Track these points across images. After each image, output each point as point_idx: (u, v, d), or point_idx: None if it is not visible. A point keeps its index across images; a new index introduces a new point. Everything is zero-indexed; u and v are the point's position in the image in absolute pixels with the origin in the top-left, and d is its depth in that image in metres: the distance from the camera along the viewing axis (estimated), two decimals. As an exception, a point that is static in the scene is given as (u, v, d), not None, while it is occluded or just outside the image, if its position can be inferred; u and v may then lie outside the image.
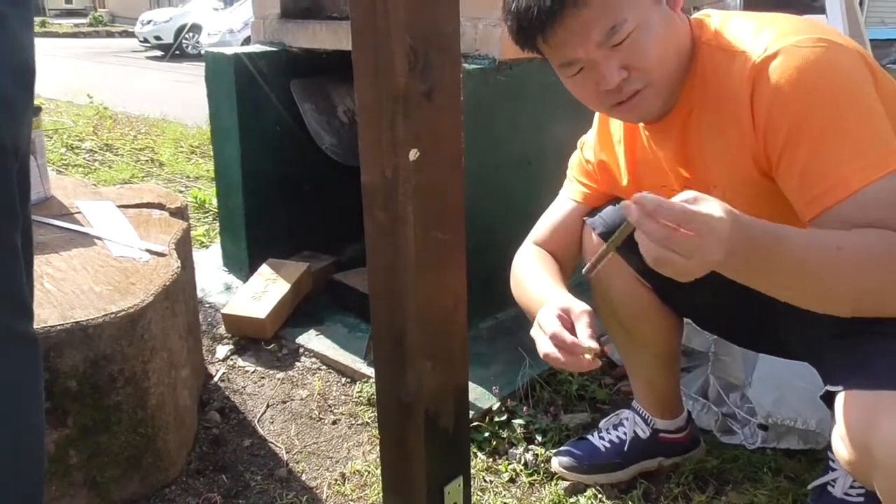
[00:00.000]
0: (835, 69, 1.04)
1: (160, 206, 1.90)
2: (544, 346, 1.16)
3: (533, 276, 1.43)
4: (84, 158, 3.97)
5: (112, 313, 1.41)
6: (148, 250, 1.65)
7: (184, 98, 5.19)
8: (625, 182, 1.43)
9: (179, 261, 1.64)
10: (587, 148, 1.48)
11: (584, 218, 1.49)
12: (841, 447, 1.09)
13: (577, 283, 1.68)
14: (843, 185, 1.02)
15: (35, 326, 1.25)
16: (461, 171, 1.18)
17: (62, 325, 1.36)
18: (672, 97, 1.20)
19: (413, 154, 1.07)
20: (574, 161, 1.52)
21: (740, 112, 1.10)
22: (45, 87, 5.60)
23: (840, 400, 1.10)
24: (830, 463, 1.47)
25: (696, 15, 1.23)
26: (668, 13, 1.14)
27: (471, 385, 1.70)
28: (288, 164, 2.45)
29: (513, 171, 2.11)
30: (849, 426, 1.07)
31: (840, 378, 1.12)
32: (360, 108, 1.12)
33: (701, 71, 1.16)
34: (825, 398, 1.17)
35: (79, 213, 1.82)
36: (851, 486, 1.43)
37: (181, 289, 1.63)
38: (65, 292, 1.47)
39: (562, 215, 1.52)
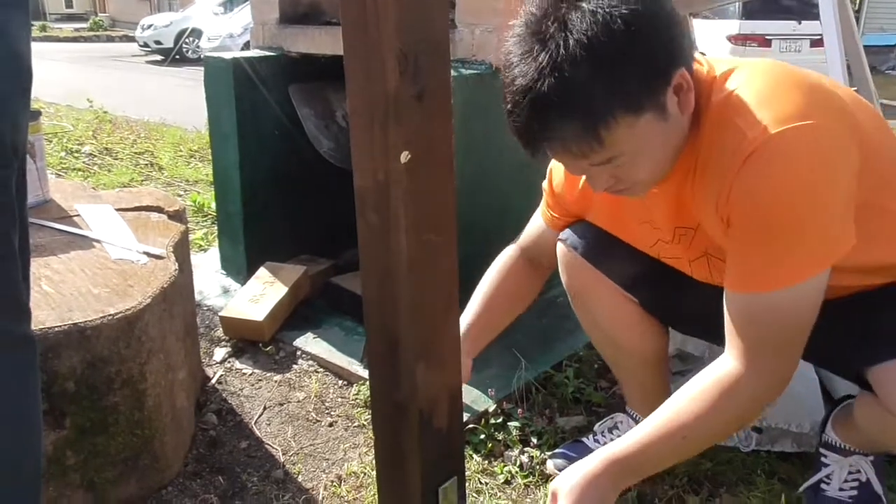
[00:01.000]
0: (809, 167, 1.09)
1: (158, 210, 1.91)
2: None
3: (480, 288, 1.61)
4: (83, 162, 3.99)
5: (110, 315, 1.42)
6: (146, 253, 1.66)
7: (184, 102, 5.21)
8: (595, 211, 1.48)
9: (177, 263, 1.65)
10: (555, 175, 1.52)
11: (559, 237, 1.55)
12: (881, 416, 1.24)
13: (559, 294, 1.70)
14: (756, 282, 1.14)
15: (33, 328, 1.26)
16: (452, 174, 1.19)
17: (60, 326, 1.37)
18: (670, 168, 1.22)
19: (404, 157, 1.08)
20: (543, 184, 1.56)
21: (724, 183, 1.14)
22: (45, 90, 5.62)
23: (884, 370, 1.22)
24: (823, 459, 1.48)
25: (719, 67, 1.21)
26: (670, 125, 1.14)
27: (466, 388, 1.71)
28: (286, 168, 2.47)
29: (510, 176, 2.12)
30: None
31: (876, 354, 1.23)
32: (351, 113, 1.14)
33: (707, 137, 1.18)
34: (858, 381, 1.31)
35: (77, 216, 1.83)
36: (845, 481, 1.44)
37: (179, 291, 1.64)
38: (63, 294, 1.48)
39: (536, 229, 1.62)
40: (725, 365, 1.20)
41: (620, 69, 1.05)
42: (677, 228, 1.33)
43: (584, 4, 1.06)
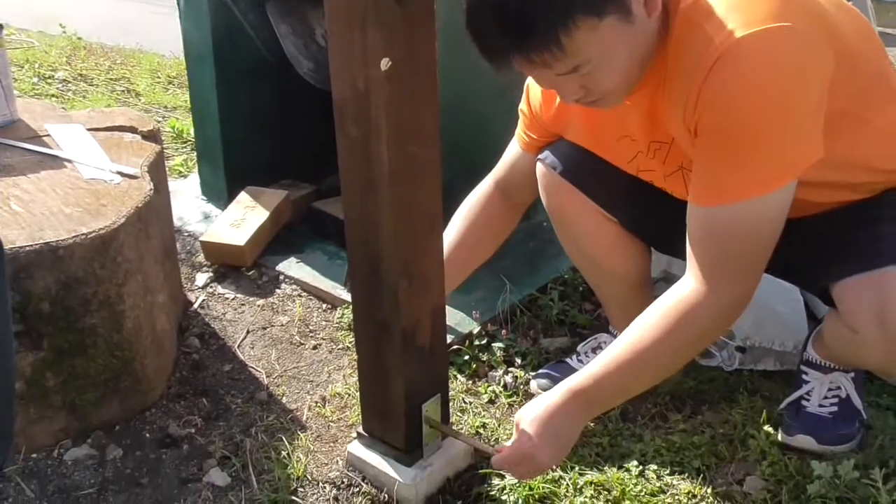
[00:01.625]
0: (778, 72, 1.05)
1: (132, 130, 1.85)
2: None
3: (452, 225, 1.61)
4: (57, 88, 3.86)
5: (83, 234, 1.38)
6: (119, 173, 1.61)
7: (160, 28, 5.04)
8: (574, 129, 1.43)
9: (152, 184, 1.60)
10: (531, 93, 1.48)
11: (538, 158, 1.52)
12: (844, 333, 1.25)
13: (544, 219, 1.67)
14: (719, 193, 1.12)
15: (4, 247, 1.22)
16: (435, 84, 1.15)
17: (31, 245, 1.33)
18: (640, 77, 1.17)
19: (385, 63, 1.04)
20: (521, 105, 1.51)
21: (691, 91, 1.10)
22: (15, 16, 5.42)
23: (844, 286, 1.22)
24: (804, 377, 1.49)
25: None
26: (636, 28, 1.09)
27: (451, 310, 1.70)
28: (265, 90, 2.39)
29: (490, 101, 2.06)
30: (859, 306, 1.19)
31: (839, 271, 1.23)
32: (329, 17, 1.08)
33: (674, 45, 1.13)
34: (823, 298, 1.30)
35: (47, 136, 1.77)
36: (825, 398, 1.45)
37: (155, 212, 1.60)
38: (34, 214, 1.44)
39: (513, 157, 1.59)
40: (684, 287, 1.18)
41: None
42: (652, 143, 1.30)
43: None
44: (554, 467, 1.37)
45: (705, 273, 1.15)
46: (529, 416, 1.24)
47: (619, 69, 1.13)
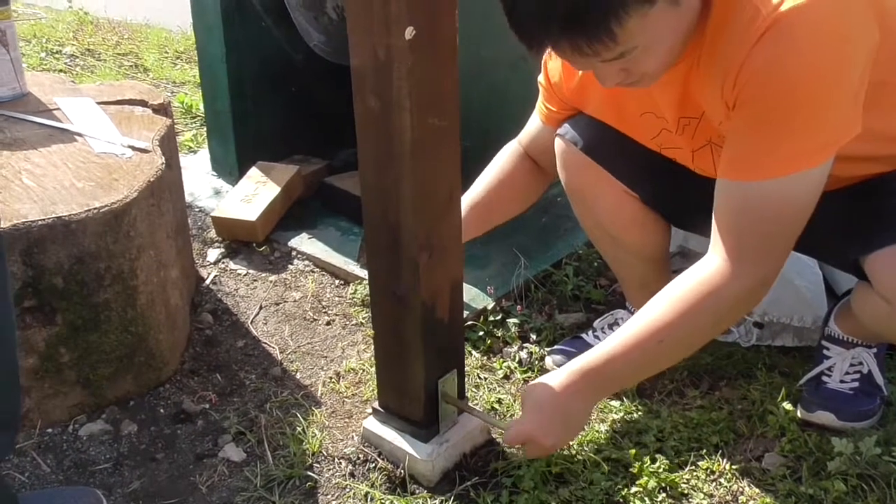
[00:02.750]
0: (826, 46, 1.02)
1: (142, 103, 1.83)
2: None
3: (482, 179, 1.58)
4: (65, 63, 3.83)
5: (95, 209, 1.37)
6: (131, 146, 1.59)
7: (167, 3, 4.99)
8: (595, 104, 1.40)
9: (164, 158, 1.58)
10: (550, 66, 1.44)
11: (557, 133, 1.48)
12: (878, 305, 1.23)
13: (559, 193, 1.64)
14: (756, 168, 1.09)
15: (15, 221, 1.21)
16: (455, 53, 1.12)
17: (43, 220, 1.32)
18: (681, 55, 1.14)
19: (409, 32, 1.01)
20: (539, 77, 1.48)
21: (733, 63, 1.07)
22: (21, -10, 5.38)
23: (877, 258, 1.19)
24: (825, 352, 1.48)
25: None
26: (682, 9, 1.06)
27: (465, 286, 1.68)
28: (275, 64, 2.36)
29: (508, 69, 2.03)
30: (893, 276, 1.17)
31: (871, 242, 1.20)
32: (348, -19, 1.05)
33: (714, 24, 1.09)
34: (853, 271, 1.29)
35: (57, 109, 1.75)
36: (847, 373, 1.44)
37: (167, 186, 1.58)
38: (45, 188, 1.42)
39: (535, 129, 1.56)
40: (708, 265, 1.15)
41: None
42: (681, 118, 1.27)
43: None
44: (567, 446, 1.35)
45: (731, 251, 1.13)
46: (536, 395, 1.21)
47: (663, 52, 1.10)
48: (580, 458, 1.39)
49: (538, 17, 1.03)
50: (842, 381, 1.45)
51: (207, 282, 1.95)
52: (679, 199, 1.45)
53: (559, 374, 1.21)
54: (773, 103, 1.05)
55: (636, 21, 1.02)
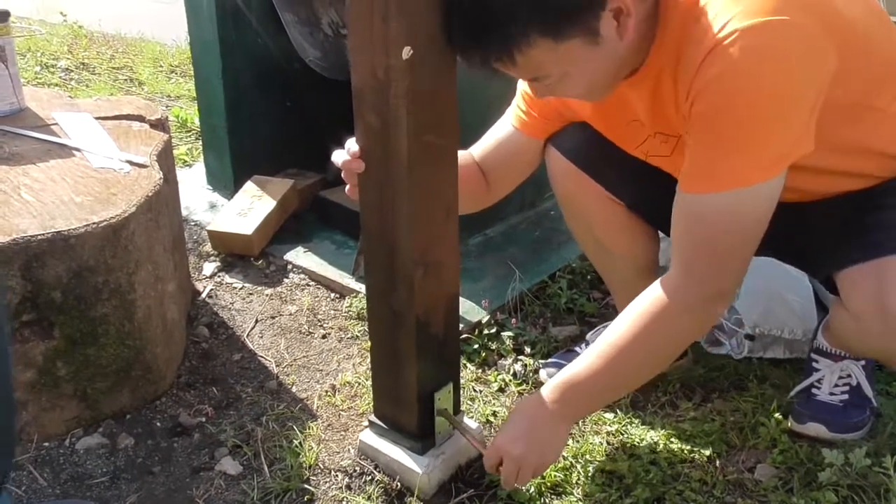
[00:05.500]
0: (770, 64, 1.03)
1: (140, 119, 1.84)
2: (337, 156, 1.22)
3: None
4: (60, 77, 3.84)
5: (94, 223, 1.38)
6: (129, 161, 1.60)
7: (162, 17, 5.01)
8: (588, 110, 1.41)
9: (161, 172, 1.60)
10: None
11: (549, 142, 1.49)
12: (848, 321, 1.25)
13: (552, 206, 1.65)
14: (704, 180, 1.10)
15: (14, 236, 1.22)
16: (454, 73, 1.14)
17: (43, 234, 1.33)
18: (636, 60, 1.15)
19: (406, 52, 1.03)
20: (519, 83, 1.49)
21: (686, 81, 1.09)
22: (16, 4, 5.38)
23: (847, 275, 1.22)
24: (814, 364, 1.50)
25: None
26: (604, 49, 1.07)
27: (461, 299, 1.69)
28: (271, 78, 2.38)
29: (505, 86, 2.05)
30: (860, 294, 1.20)
31: (842, 259, 1.23)
32: (350, 5, 1.07)
33: (673, 34, 1.11)
34: (828, 286, 1.30)
35: (55, 124, 1.76)
36: (836, 385, 1.46)
37: (164, 201, 1.59)
38: (44, 202, 1.43)
39: (503, 135, 1.51)
40: (665, 280, 1.17)
41: None
42: (658, 133, 1.29)
43: None
44: (543, 470, 1.32)
45: (684, 266, 1.15)
46: (510, 415, 1.25)
47: (585, 82, 1.13)
48: (575, 469, 1.40)
49: (458, 25, 1.07)
50: (831, 394, 1.47)
51: (203, 295, 1.96)
52: (665, 207, 1.47)
53: (534, 395, 1.25)
54: (719, 118, 1.06)
55: (541, 52, 1.05)
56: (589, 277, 1.99)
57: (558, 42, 1.04)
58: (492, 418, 1.56)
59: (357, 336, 1.83)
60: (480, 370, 1.71)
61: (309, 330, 1.86)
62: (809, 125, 1.08)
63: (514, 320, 1.82)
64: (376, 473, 1.40)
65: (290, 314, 1.92)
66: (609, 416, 1.55)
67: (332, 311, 1.93)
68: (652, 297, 1.18)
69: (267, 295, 1.98)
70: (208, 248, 2.15)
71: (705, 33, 1.05)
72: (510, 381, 1.67)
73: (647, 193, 1.46)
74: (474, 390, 1.64)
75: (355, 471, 1.41)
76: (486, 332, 1.78)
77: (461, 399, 1.50)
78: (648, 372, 1.26)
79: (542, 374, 1.67)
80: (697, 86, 1.06)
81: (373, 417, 1.42)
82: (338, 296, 1.98)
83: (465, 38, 1.07)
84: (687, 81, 1.08)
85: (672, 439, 1.48)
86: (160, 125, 1.85)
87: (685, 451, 1.45)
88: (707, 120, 1.07)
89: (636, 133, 1.36)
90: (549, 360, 1.70)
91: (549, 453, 1.26)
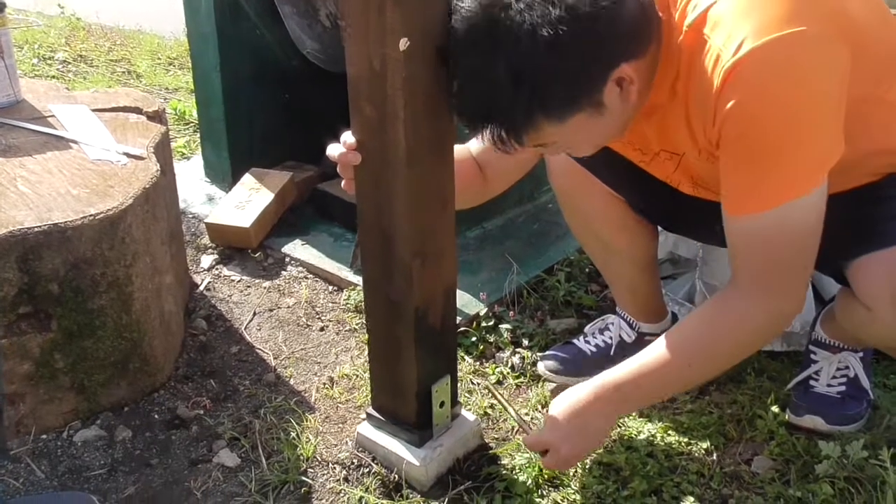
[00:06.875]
0: (793, 80, 1.03)
1: (137, 110, 1.84)
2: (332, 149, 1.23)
3: None
4: (57, 69, 3.83)
5: (91, 216, 1.37)
6: (126, 154, 1.60)
7: (160, 9, 4.99)
8: None
9: (159, 164, 1.59)
10: None
11: None
12: (858, 311, 1.26)
13: (550, 200, 1.65)
14: (752, 202, 1.11)
15: (11, 228, 1.22)
16: (450, 63, 1.13)
17: (40, 226, 1.33)
18: (622, 133, 1.19)
19: (403, 43, 1.02)
20: None
21: (707, 107, 1.09)
22: (13, -4, 5.36)
23: (859, 265, 1.23)
24: (812, 356, 1.50)
25: None
26: (608, 115, 1.09)
27: (458, 291, 1.68)
28: (269, 71, 2.37)
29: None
30: (874, 283, 1.21)
31: (854, 250, 1.24)
32: (345, -4, 1.07)
33: (683, 57, 1.10)
34: (836, 277, 1.32)
35: (52, 116, 1.75)
36: (833, 377, 1.46)
37: (162, 193, 1.59)
38: (41, 195, 1.43)
39: None
40: (731, 296, 1.18)
41: (543, 88, 1.03)
42: (663, 151, 1.30)
43: (512, 14, 0.99)
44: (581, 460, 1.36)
45: (749, 284, 1.15)
46: (560, 406, 1.25)
47: (589, 143, 1.18)
48: (572, 462, 1.41)
49: (464, 112, 1.10)
50: (829, 386, 1.47)
51: (201, 288, 1.96)
52: (664, 205, 1.47)
53: (585, 387, 1.24)
54: (754, 141, 1.06)
55: (549, 129, 1.08)
56: (587, 270, 1.99)
57: (564, 121, 1.07)
58: (489, 410, 1.56)
59: (355, 328, 1.83)
60: (478, 363, 1.71)
61: (307, 322, 1.86)
62: (839, 128, 1.08)
63: (511, 313, 1.82)
64: (374, 465, 1.40)
65: (288, 307, 1.92)
66: (607, 408, 1.55)
67: (330, 304, 1.93)
68: (722, 310, 1.19)
69: (265, 287, 1.98)
70: (206, 240, 2.14)
71: (719, 58, 1.04)
72: (508, 373, 1.67)
73: (648, 194, 1.46)
74: (472, 383, 1.65)
75: (353, 463, 1.42)
76: (483, 324, 1.78)
77: (459, 391, 1.50)
78: (704, 378, 1.33)
79: (540, 366, 1.67)
80: (722, 112, 1.06)
81: (370, 410, 1.42)
82: (336, 288, 1.98)
83: (469, 122, 1.10)
84: (710, 108, 1.08)
85: (669, 432, 1.48)
86: (157, 117, 1.84)
87: (682, 444, 1.45)
88: (741, 143, 1.08)
89: (642, 151, 1.35)
90: (547, 352, 1.70)
91: (593, 443, 1.29)
